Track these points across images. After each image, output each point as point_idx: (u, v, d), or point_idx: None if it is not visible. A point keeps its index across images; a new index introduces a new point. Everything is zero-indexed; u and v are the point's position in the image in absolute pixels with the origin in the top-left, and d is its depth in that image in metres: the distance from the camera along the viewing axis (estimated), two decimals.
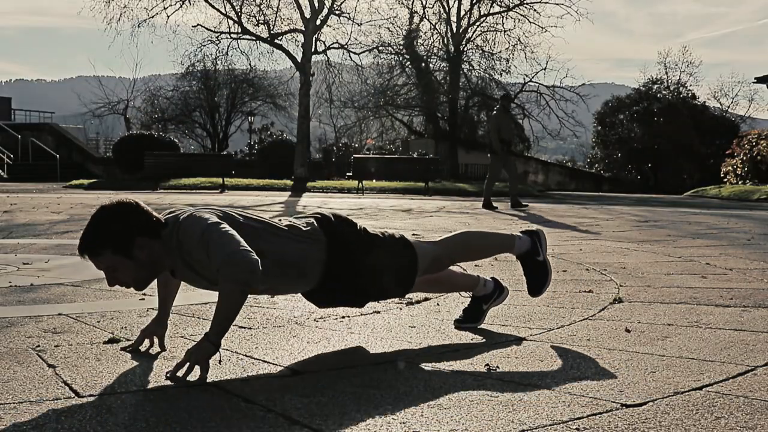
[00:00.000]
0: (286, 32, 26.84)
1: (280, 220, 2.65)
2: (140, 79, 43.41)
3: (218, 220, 2.39)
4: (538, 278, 3.03)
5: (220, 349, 2.37)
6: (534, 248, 3.02)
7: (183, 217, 2.44)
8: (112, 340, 2.79)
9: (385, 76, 35.36)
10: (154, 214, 2.47)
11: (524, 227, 3.16)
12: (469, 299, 3.17)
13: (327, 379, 2.32)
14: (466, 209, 12.27)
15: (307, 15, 25.12)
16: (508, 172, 12.68)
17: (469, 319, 3.10)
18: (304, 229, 2.62)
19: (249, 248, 2.31)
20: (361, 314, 3.35)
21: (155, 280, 2.76)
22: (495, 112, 12.93)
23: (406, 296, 3.76)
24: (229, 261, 2.27)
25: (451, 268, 3.08)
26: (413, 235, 6.99)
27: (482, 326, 3.10)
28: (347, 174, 23.50)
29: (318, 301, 2.82)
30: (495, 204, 12.25)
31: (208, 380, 2.26)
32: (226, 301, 2.30)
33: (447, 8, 35.11)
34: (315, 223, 2.66)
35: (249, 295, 2.37)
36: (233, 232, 2.35)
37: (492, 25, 35.13)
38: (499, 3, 34.41)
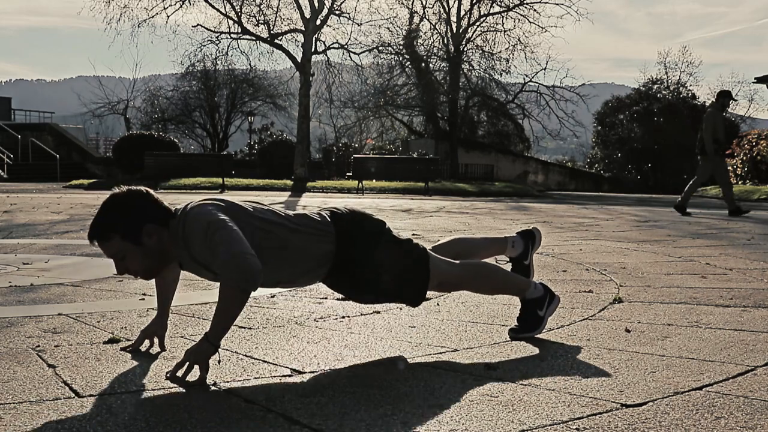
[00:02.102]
0: (286, 32, 26.86)
1: (288, 212, 2.65)
2: (140, 79, 43.45)
3: (223, 217, 2.38)
4: (527, 324, 2.92)
5: (220, 349, 2.37)
6: (542, 299, 2.94)
7: (189, 209, 2.45)
8: (112, 340, 2.79)
9: (385, 76, 35.37)
10: (164, 203, 2.50)
11: (543, 280, 3.10)
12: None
13: (327, 379, 2.32)
14: (466, 209, 12.27)
15: (307, 15, 25.13)
16: (718, 177, 11.41)
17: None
18: (315, 219, 2.63)
19: (251, 251, 2.30)
20: (361, 314, 3.35)
21: (155, 278, 2.77)
22: (710, 109, 11.37)
23: None
24: (229, 264, 2.26)
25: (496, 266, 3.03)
26: (413, 235, 6.99)
27: (482, 325, 3.10)
28: (347, 174, 23.51)
29: (331, 287, 2.81)
30: (688, 210, 11.18)
31: (208, 380, 2.26)
32: (226, 305, 2.29)
33: (447, 8, 35.10)
34: (328, 216, 2.67)
35: (256, 290, 2.37)
36: (236, 231, 2.34)
37: (492, 25, 35.14)
38: (499, 3, 34.41)
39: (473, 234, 3.15)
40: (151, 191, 2.51)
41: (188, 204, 2.51)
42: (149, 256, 2.44)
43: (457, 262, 2.90)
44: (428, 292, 3.14)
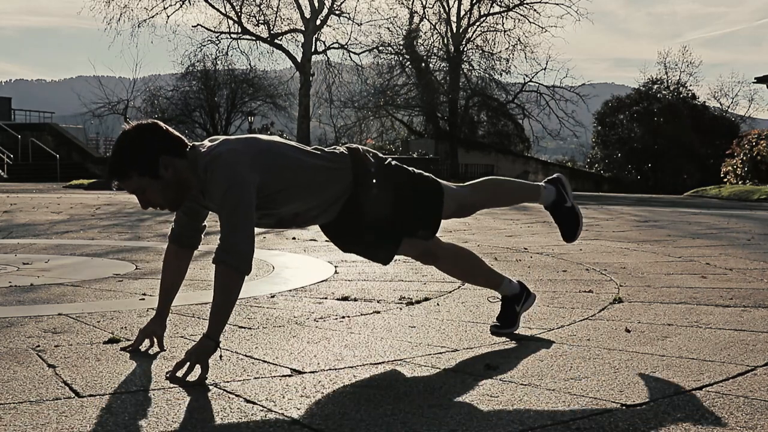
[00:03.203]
0: (286, 32, 26.91)
1: (305, 146, 2.69)
2: (140, 79, 43.39)
3: (243, 179, 2.38)
4: (570, 224, 3.04)
5: (220, 347, 2.38)
6: (560, 196, 3.02)
7: (218, 154, 2.43)
8: (112, 340, 2.79)
9: (385, 76, 35.40)
10: (175, 133, 2.51)
11: (546, 178, 3.11)
12: (490, 307, 3.11)
13: (327, 379, 2.32)
14: None
15: (307, 15, 25.17)
16: None
17: (506, 325, 2.97)
18: (332, 152, 2.66)
19: (252, 236, 2.37)
20: (361, 314, 3.35)
21: (161, 274, 2.78)
22: None
23: (406, 297, 3.76)
24: (224, 242, 2.34)
25: (480, 259, 3.03)
26: None
27: (482, 325, 3.10)
28: None
29: (339, 236, 2.81)
30: None
31: (208, 380, 2.26)
32: (217, 283, 2.35)
33: (447, 8, 35.15)
34: (344, 150, 2.71)
35: (250, 273, 2.39)
36: (248, 208, 2.37)
37: (492, 25, 35.21)
38: (499, 3, 34.47)
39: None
40: (161, 123, 2.52)
41: (216, 143, 2.50)
42: (168, 187, 2.46)
43: (466, 184, 2.98)
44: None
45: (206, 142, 2.56)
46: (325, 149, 2.70)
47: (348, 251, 2.93)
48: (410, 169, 2.83)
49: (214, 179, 2.40)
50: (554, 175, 3.12)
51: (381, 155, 2.81)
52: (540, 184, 3.06)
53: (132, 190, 2.47)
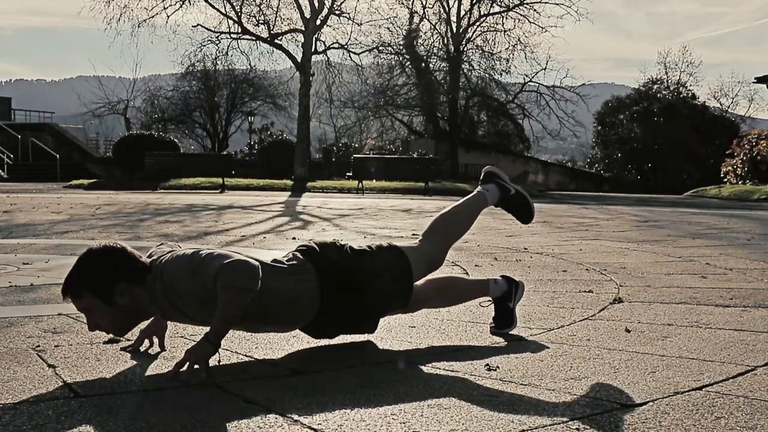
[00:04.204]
0: (286, 32, 26.88)
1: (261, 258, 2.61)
2: (140, 79, 43.48)
3: (199, 250, 2.41)
4: (522, 208, 3.13)
5: (220, 350, 2.37)
6: (503, 189, 3.09)
7: (165, 260, 2.43)
8: (112, 340, 2.79)
9: (385, 76, 35.39)
10: (141, 259, 2.46)
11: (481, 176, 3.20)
12: (489, 306, 3.08)
13: (327, 379, 2.32)
14: None
15: (307, 15, 25.15)
16: None
17: (504, 324, 2.99)
18: (289, 262, 2.60)
19: (244, 256, 2.32)
20: None
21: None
22: None
23: None
24: (227, 268, 2.27)
25: (458, 275, 3.04)
26: (413, 235, 7.00)
27: (482, 325, 3.10)
28: (347, 174, 23.53)
29: (320, 333, 2.76)
30: None
31: (207, 380, 2.26)
32: (229, 306, 2.30)
33: (447, 8, 35.13)
34: (299, 254, 2.65)
35: (257, 288, 2.36)
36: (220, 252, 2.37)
37: (492, 25, 35.18)
38: (499, 3, 34.45)
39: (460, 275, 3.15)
40: (128, 247, 2.47)
41: (163, 257, 2.47)
42: (122, 314, 2.43)
43: (422, 237, 2.95)
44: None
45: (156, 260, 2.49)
46: (284, 260, 2.61)
47: (332, 337, 2.85)
48: (368, 247, 2.75)
49: (173, 276, 2.36)
50: (485, 171, 3.18)
51: (339, 244, 2.72)
52: (479, 189, 3.11)
53: (81, 308, 2.43)
